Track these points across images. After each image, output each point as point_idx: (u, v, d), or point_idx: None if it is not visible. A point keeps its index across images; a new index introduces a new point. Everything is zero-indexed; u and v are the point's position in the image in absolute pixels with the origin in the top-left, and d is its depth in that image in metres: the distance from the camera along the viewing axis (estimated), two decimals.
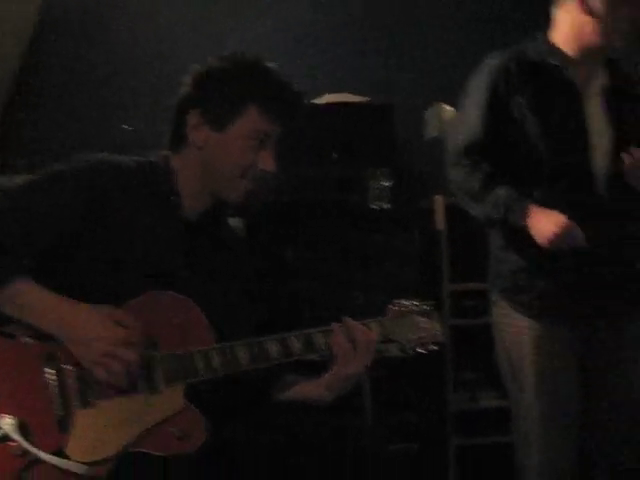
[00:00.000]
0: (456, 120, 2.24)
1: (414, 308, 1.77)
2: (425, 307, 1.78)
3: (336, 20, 3.82)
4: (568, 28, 2.11)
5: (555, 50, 2.12)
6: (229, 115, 1.62)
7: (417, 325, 1.76)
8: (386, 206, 3.04)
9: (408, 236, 3.08)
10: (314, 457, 1.60)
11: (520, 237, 2.06)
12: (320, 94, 3.44)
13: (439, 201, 3.29)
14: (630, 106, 2.16)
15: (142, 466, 1.45)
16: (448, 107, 3.42)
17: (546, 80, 2.10)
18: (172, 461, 1.46)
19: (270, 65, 1.69)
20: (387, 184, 3.05)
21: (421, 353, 1.79)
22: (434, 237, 3.28)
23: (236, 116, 1.62)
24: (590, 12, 2.05)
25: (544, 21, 3.66)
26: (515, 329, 2.15)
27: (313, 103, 3.38)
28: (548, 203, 2.04)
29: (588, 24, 2.06)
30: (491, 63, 2.15)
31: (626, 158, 2.06)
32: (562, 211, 2.00)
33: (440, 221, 3.25)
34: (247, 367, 1.54)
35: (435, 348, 1.78)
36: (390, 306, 1.77)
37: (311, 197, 3.09)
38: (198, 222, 1.68)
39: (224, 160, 1.63)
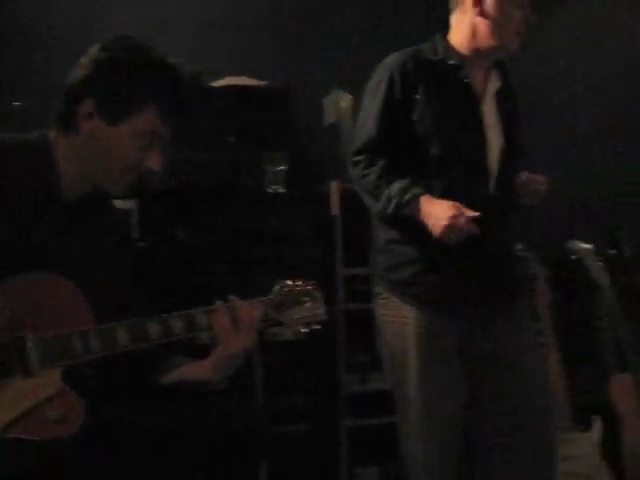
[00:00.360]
0: (358, 119, 2.25)
1: (297, 289, 1.79)
2: (308, 287, 1.80)
3: (239, 3, 3.79)
4: (464, 30, 2.17)
5: (452, 50, 2.18)
6: (125, 111, 1.58)
7: (301, 305, 1.77)
8: (281, 190, 3.05)
9: (303, 220, 3.10)
10: (201, 440, 1.60)
11: (414, 229, 2.09)
12: (219, 77, 3.42)
13: (334, 186, 3.32)
14: (513, 110, 2.26)
15: (18, 451, 1.42)
16: (346, 94, 3.46)
17: (443, 79, 2.15)
18: (50, 445, 1.43)
19: (174, 62, 1.64)
20: (283, 168, 3.06)
21: (308, 334, 1.80)
22: (329, 222, 3.31)
23: (133, 113, 1.58)
24: (484, 14, 2.12)
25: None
26: (400, 321, 2.16)
27: (211, 86, 3.36)
28: (444, 198, 2.08)
29: (483, 26, 2.13)
30: (389, 62, 2.18)
31: (518, 180, 2.19)
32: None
33: (335, 206, 3.28)
34: (127, 348, 1.52)
35: (318, 327, 1.80)
36: (275, 287, 1.78)
37: (207, 180, 3.07)
38: (78, 204, 1.65)
39: (111, 155, 1.59)
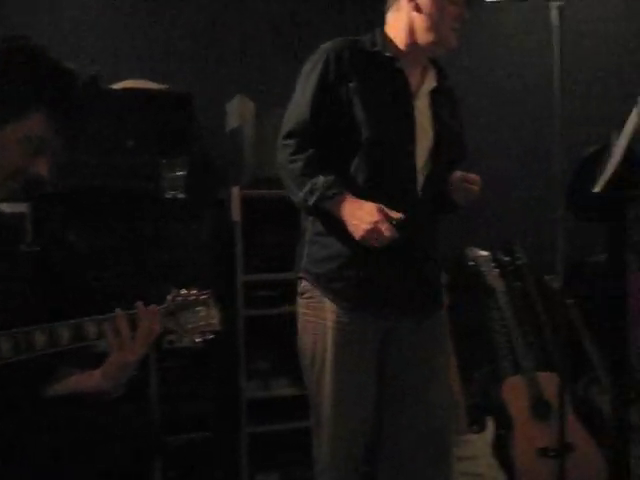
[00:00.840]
0: (290, 103, 2.20)
1: (191, 297, 1.77)
2: (203, 296, 1.79)
3: (143, 7, 3.73)
4: (401, 26, 2.17)
5: (390, 44, 2.17)
6: (12, 115, 1.52)
7: (194, 314, 1.76)
8: (180, 195, 3.01)
9: (202, 226, 3.07)
10: (96, 448, 1.57)
11: (340, 224, 2.07)
12: (119, 80, 3.36)
13: (236, 192, 3.31)
14: (447, 111, 2.26)
15: None
16: (249, 100, 3.46)
17: (379, 70, 2.14)
18: None
19: (67, 67, 1.59)
20: (182, 173, 3.02)
21: (205, 342, 1.79)
22: (229, 228, 3.29)
23: (20, 118, 1.53)
24: (420, 9, 2.13)
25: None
26: (320, 323, 2.15)
27: (110, 88, 3.29)
28: (371, 191, 2.08)
29: (419, 21, 2.14)
30: (325, 47, 2.16)
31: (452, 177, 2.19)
32: (382, 201, 2.03)
33: (236, 212, 3.27)
34: (10, 358, 1.47)
35: (212, 337, 1.79)
36: (169, 296, 1.76)
37: (103, 183, 2.99)
38: None
39: None
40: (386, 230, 1.97)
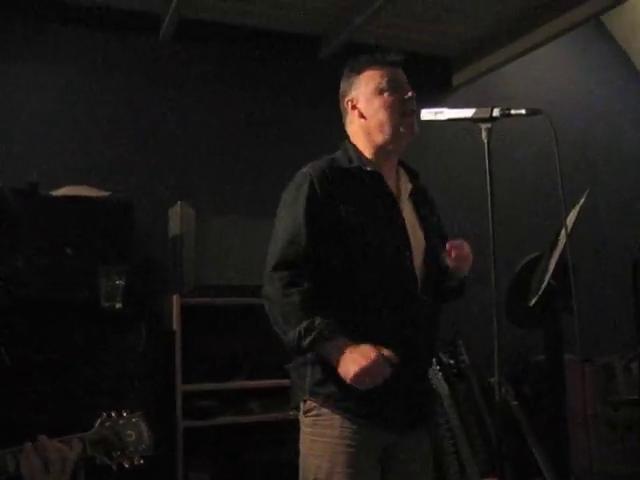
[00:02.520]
0: (275, 232, 2.10)
1: (121, 422, 1.71)
2: (134, 420, 1.73)
3: (84, 113, 3.77)
4: (360, 135, 2.19)
5: (363, 156, 2.17)
6: None
7: (123, 441, 1.70)
8: (118, 305, 2.96)
9: (140, 336, 3.00)
10: None
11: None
12: (61, 185, 3.35)
13: (175, 300, 3.28)
14: (427, 210, 2.26)
15: None
16: (189, 207, 3.47)
17: (362, 185, 2.12)
18: None
19: None
20: (120, 282, 2.98)
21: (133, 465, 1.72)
22: (168, 337, 3.24)
23: None
24: (363, 115, 2.16)
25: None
26: (330, 436, 2.04)
27: (50, 195, 3.27)
28: (373, 301, 2.04)
29: (369, 125, 2.15)
30: (306, 172, 2.12)
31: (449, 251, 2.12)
32: (385, 309, 2.01)
33: (176, 321, 3.23)
34: None
35: (141, 462, 1.72)
36: (97, 421, 1.70)
37: (39, 292, 2.93)
38: None
39: None
40: (377, 373, 1.91)
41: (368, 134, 2.18)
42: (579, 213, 2.30)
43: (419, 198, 2.26)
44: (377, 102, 2.15)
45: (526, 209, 4.66)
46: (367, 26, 4.04)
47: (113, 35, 3.88)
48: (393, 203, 2.16)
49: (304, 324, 1.94)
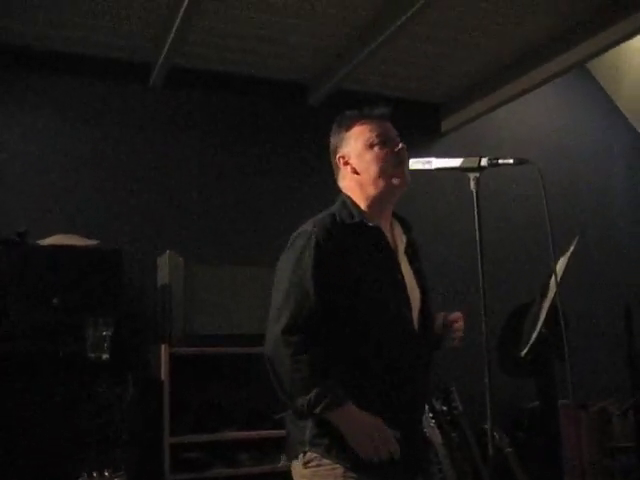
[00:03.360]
0: (278, 291, 2.06)
1: None
2: (115, 479, 1.70)
3: (71, 162, 3.77)
4: (355, 189, 2.18)
5: (361, 210, 2.15)
6: None
7: None
8: (105, 356, 2.91)
9: (127, 387, 2.95)
10: None
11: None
12: (47, 235, 3.33)
13: (164, 350, 3.23)
14: (418, 262, 2.24)
15: None
16: (178, 256, 3.45)
17: (365, 241, 2.11)
18: None
19: None
20: (107, 333, 2.94)
21: None
22: (156, 387, 3.18)
23: None
24: (355, 171, 2.16)
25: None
26: None
27: (37, 244, 3.25)
28: (375, 358, 2.02)
29: (362, 180, 2.15)
30: (309, 230, 2.08)
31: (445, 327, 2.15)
32: (389, 377, 2.01)
33: (164, 371, 3.18)
34: None
35: None
36: (85, 474, 1.67)
37: (27, 346, 2.89)
38: None
39: None
40: (384, 446, 1.94)
41: (362, 188, 2.17)
42: (569, 260, 2.29)
43: (412, 250, 2.25)
44: (368, 157, 2.15)
45: (515, 256, 4.65)
46: (356, 73, 4.08)
47: (103, 83, 3.90)
48: (393, 258, 2.15)
49: (314, 392, 1.93)
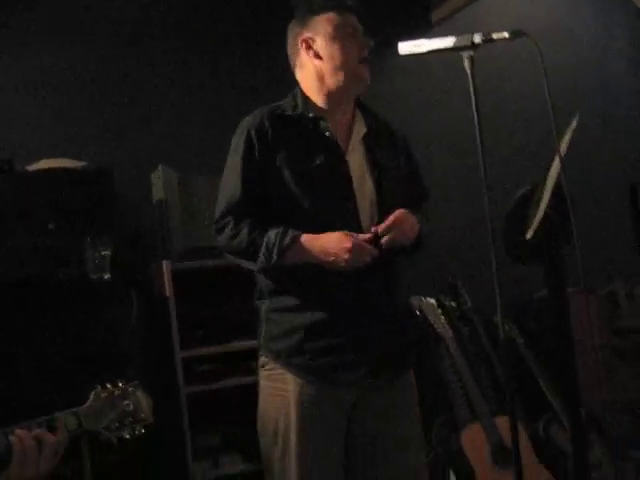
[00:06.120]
0: (221, 182, 2.15)
1: (117, 392, 1.66)
2: (130, 389, 1.68)
3: (55, 85, 3.63)
4: (311, 79, 2.14)
5: (309, 103, 2.13)
6: None
7: (121, 411, 1.65)
8: (107, 276, 2.89)
9: (132, 306, 2.95)
10: None
11: (294, 295, 2.03)
12: (35, 160, 3.25)
13: (166, 266, 3.20)
14: (387, 153, 2.19)
15: None
16: (172, 170, 3.37)
17: (304, 134, 2.09)
18: None
19: None
20: (107, 253, 2.91)
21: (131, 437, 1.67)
22: (161, 304, 3.17)
23: None
24: (319, 56, 2.11)
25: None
26: (283, 395, 2.05)
27: (26, 170, 3.17)
28: (315, 271, 2.01)
29: (324, 67, 2.11)
30: (245, 123, 2.12)
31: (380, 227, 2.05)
32: (327, 275, 2.00)
33: (168, 287, 3.15)
34: None
35: (143, 431, 1.67)
36: (91, 393, 1.65)
37: (25, 270, 2.86)
38: None
39: None
40: (365, 247, 1.95)
41: (321, 77, 2.13)
42: (571, 138, 2.21)
43: (377, 140, 2.19)
44: (335, 44, 2.10)
45: (516, 140, 4.55)
46: None
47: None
48: (336, 153, 2.10)
49: (263, 246, 1.98)
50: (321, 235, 1.98)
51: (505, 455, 3.32)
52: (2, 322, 2.68)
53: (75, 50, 3.69)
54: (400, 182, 2.18)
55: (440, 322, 3.76)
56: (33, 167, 3.21)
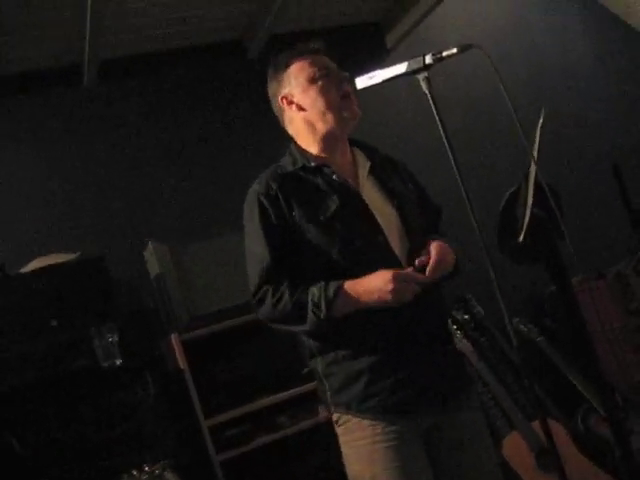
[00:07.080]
0: (247, 258, 2.11)
1: (143, 477, 1.67)
2: (156, 471, 1.68)
3: (30, 181, 3.68)
4: (302, 132, 2.14)
5: (307, 154, 2.12)
6: None
7: None
8: (118, 362, 2.89)
9: (148, 385, 2.94)
10: None
11: (346, 345, 2.00)
12: (28, 260, 3.27)
13: (175, 339, 3.20)
14: (396, 180, 2.19)
15: None
16: (161, 244, 3.40)
17: (311, 185, 2.08)
18: None
19: None
20: (114, 339, 2.91)
21: None
22: (178, 377, 3.16)
23: None
24: (301, 108, 2.12)
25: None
26: (362, 438, 2.01)
27: (20, 273, 3.20)
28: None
29: (309, 116, 2.11)
30: (253, 190, 2.09)
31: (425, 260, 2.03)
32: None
33: (181, 360, 3.15)
34: None
35: None
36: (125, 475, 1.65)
37: (37, 372, 2.86)
38: None
39: None
40: (407, 282, 1.92)
41: (311, 126, 2.13)
42: (541, 133, 2.23)
43: (384, 172, 2.19)
44: (313, 91, 2.11)
45: (489, 148, 4.57)
46: (286, 14, 3.95)
47: (41, 97, 3.78)
48: (348, 190, 2.09)
49: (309, 304, 1.94)
50: (363, 278, 1.96)
51: (549, 458, 3.28)
52: (21, 425, 2.68)
53: (45, 144, 3.75)
54: (416, 205, 2.19)
55: (458, 338, 3.74)
56: (27, 268, 3.23)
